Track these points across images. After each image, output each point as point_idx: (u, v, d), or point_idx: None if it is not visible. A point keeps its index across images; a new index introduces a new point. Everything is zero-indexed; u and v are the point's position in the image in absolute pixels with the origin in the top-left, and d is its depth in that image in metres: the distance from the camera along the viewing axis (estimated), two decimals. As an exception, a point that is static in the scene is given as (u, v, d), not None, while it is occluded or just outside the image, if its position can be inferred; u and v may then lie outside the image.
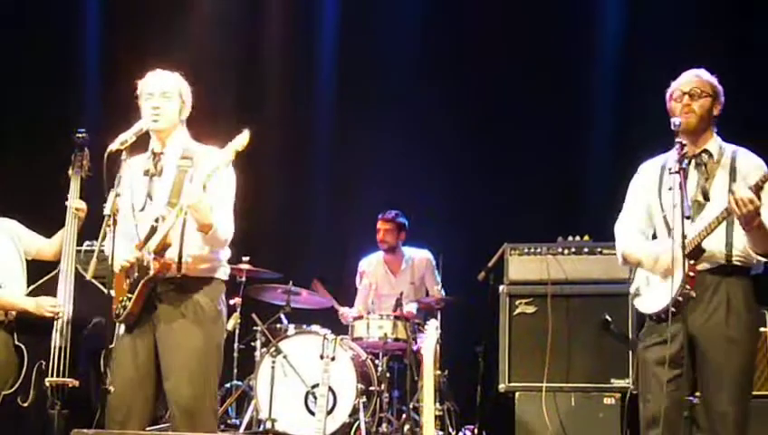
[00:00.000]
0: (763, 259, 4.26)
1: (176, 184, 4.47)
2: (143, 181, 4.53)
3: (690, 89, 4.36)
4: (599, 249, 6.04)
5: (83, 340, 5.09)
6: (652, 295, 4.37)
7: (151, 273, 4.33)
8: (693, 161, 4.31)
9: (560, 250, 6.19)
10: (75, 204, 5.24)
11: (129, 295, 4.39)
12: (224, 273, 4.63)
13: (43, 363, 5.02)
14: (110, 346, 4.46)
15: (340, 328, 6.88)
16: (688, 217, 4.05)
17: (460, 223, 8.13)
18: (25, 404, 5.04)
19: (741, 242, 4.23)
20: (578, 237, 6.24)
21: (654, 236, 4.51)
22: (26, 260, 5.49)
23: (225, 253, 4.64)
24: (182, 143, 4.60)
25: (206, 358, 4.48)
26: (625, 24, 8.25)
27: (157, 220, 4.39)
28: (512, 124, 8.28)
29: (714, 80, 4.42)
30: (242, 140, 4.36)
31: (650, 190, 4.48)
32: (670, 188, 4.21)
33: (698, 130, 4.34)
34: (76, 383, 4.97)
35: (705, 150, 4.37)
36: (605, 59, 8.30)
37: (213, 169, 4.29)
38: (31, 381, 5.06)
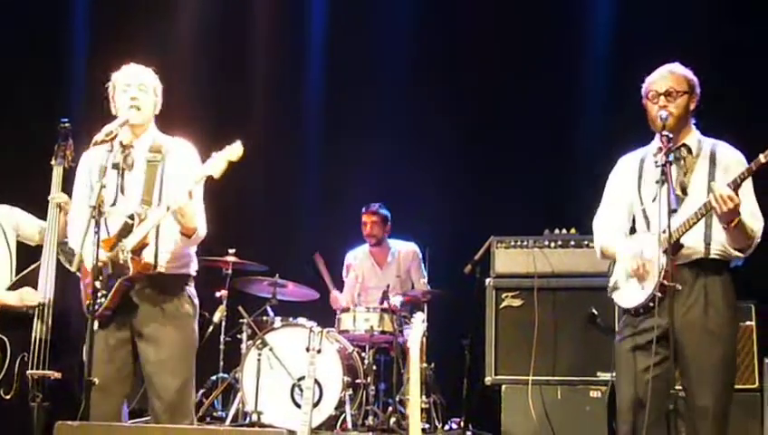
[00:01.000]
0: (741, 254, 4.25)
1: (148, 180, 4.48)
2: (112, 175, 4.46)
3: (665, 89, 4.29)
4: (585, 242, 6.03)
5: (67, 332, 5.07)
6: (630, 290, 4.35)
7: (130, 273, 4.33)
8: (672, 155, 4.23)
9: (546, 243, 6.20)
10: (58, 198, 5.20)
11: (104, 292, 4.36)
12: (194, 268, 4.66)
13: (26, 356, 5.00)
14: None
15: (326, 321, 6.86)
16: (675, 211, 4.03)
17: (447, 216, 8.12)
18: (8, 397, 5.02)
19: (720, 236, 4.21)
20: (564, 231, 6.24)
21: (633, 230, 4.49)
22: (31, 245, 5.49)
23: (194, 247, 4.67)
24: (151, 136, 4.61)
25: (188, 353, 4.54)
26: (614, 21, 8.25)
27: (132, 217, 4.37)
28: (498, 118, 8.29)
29: (688, 73, 4.36)
30: (235, 151, 4.36)
31: (629, 184, 4.46)
32: (657, 181, 4.15)
33: (677, 129, 4.29)
34: (58, 375, 4.94)
35: (684, 145, 4.34)
36: (593, 54, 8.31)
37: (202, 177, 4.32)
38: (14, 373, 5.04)
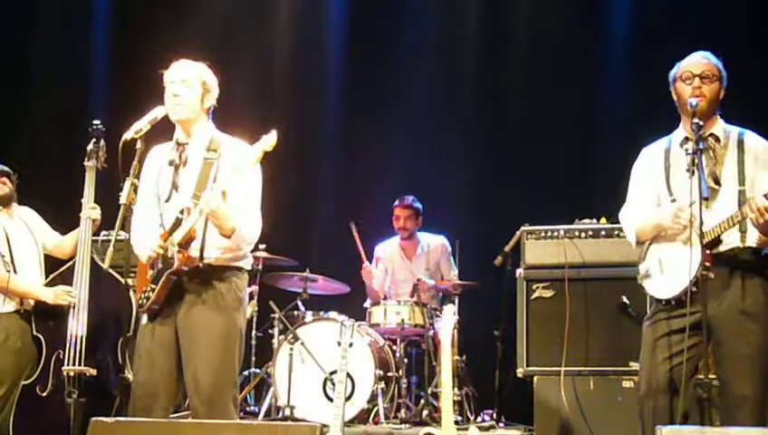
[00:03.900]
0: None
1: (202, 176, 4.46)
2: (168, 171, 4.51)
3: (701, 72, 4.30)
4: (616, 232, 5.98)
5: (101, 329, 5.13)
6: (665, 282, 4.33)
7: (175, 266, 4.34)
8: (701, 144, 4.19)
9: (577, 233, 6.15)
10: (91, 214, 5.27)
11: (153, 286, 4.39)
12: (247, 263, 4.60)
13: (61, 353, 5.06)
14: (128, 335, 4.48)
15: (357, 314, 6.87)
16: (707, 199, 4.02)
17: (477, 207, 8.13)
18: (44, 393, 5.08)
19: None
20: (594, 220, 6.20)
21: None
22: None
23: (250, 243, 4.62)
24: (208, 134, 4.58)
25: (228, 347, 4.44)
26: (635, 12, 8.23)
27: (182, 212, 4.37)
28: (527, 107, 8.28)
29: (720, 63, 4.37)
30: (270, 140, 4.33)
31: (657, 175, 4.44)
32: (687, 170, 4.14)
33: (707, 115, 4.29)
34: (93, 372, 5.01)
35: (712, 134, 4.33)
36: (618, 44, 8.28)
37: (238, 170, 4.28)
38: (49, 370, 5.10)
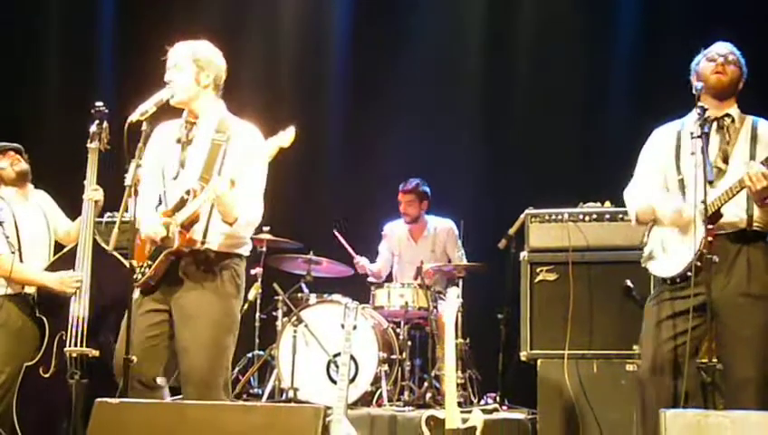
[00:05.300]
0: None
1: (209, 158, 4.44)
2: (175, 149, 4.49)
3: (726, 54, 4.38)
4: (620, 215, 5.96)
5: (104, 310, 5.12)
6: (668, 260, 4.35)
7: (175, 246, 4.32)
8: (715, 124, 4.32)
9: (581, 217, 6.13)
10: (94, 195, 5.26)
11: (150, 262, 4.38)
12: (246, 249, 4.60)
13: (64, 334, 5.06)
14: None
15: (361, 297, 6.87)
16: (711, 183, 4.04)
17: (481, 190, 8.11)
18: (47, 375, 5.09)
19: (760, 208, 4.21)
20: (599, 203, 6.19)
21: None
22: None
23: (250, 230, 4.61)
24: (217, 114, 4.55)
25: (224, 333, 4.44)
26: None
27: (188, 192, 4.35)
28: (533, 90, 8.26)
29: (742, 58, 4.44)
30: (288, 137, 4.37)
31: (667, 155, 4.46)
32: (693, 153, 4.17)
33: (726, 93, 4.36)
34: (96, 353, 5.00)
35: (728, 114, 4.38)
36: (625, 28, 8.26)
37: (247, 161, 4.33)
38: (52, 351, 5.11)
